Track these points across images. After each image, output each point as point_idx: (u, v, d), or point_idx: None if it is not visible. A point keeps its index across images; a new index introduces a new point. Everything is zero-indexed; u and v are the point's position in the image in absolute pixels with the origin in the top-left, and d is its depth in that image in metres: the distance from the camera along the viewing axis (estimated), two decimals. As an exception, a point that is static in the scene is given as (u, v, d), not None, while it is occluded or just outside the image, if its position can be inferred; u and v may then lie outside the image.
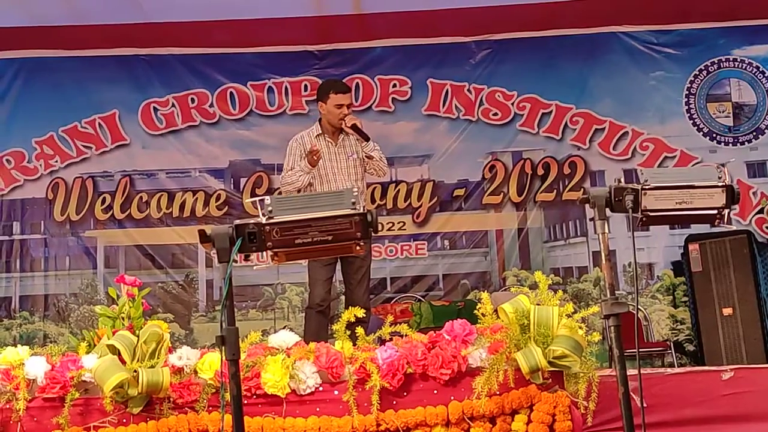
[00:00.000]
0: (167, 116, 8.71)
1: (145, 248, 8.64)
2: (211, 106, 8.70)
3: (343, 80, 8.57)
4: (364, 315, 6.17)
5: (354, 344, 4.31)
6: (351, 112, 6.65)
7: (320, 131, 6.63)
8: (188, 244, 8.56)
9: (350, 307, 6.16)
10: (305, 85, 8.66)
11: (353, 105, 7.08)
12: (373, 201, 8.57)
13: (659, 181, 3.62)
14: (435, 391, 4.20)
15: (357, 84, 8.69)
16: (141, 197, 8.65)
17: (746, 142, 8.66)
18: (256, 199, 3.50)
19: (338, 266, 6.54)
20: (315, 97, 6.92)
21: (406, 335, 4.37)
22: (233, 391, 3.27)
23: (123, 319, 4.57)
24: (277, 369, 4.19)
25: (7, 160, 8.63)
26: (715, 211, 3.65)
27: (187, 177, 8.77)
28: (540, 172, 8.66)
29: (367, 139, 6.52)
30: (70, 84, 8.67)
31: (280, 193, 7.21)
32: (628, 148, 8.61)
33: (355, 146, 6.60)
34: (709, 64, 8.73)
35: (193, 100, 8.72)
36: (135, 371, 4.10)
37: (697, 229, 7.79)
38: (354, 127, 6.50)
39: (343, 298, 8.25)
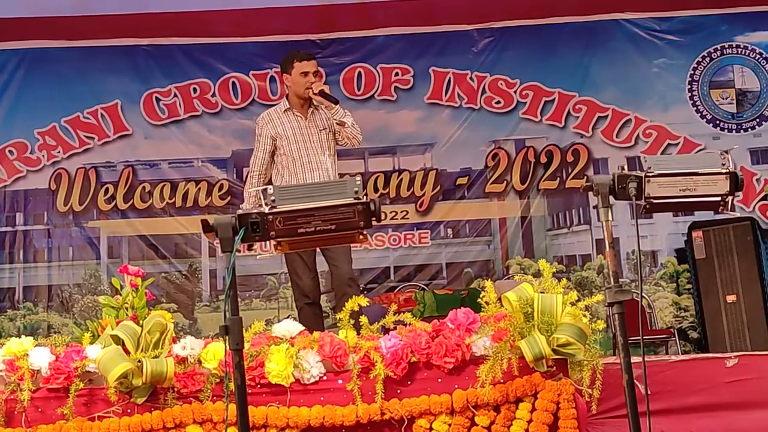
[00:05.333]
0: (169, 106, 8.70)
1: (148, 238, 8.64)
2: (213, 95, 8.69)
3: (345, 69, 8.62)
4: (351, 282, 6.06)
5: (358, 333, 4.31)
6: (317, 80, 6.31)
7: (288, 106, 6.33)
8: (191, 234, 8.55)
9: (336, 282, 6.02)
10: (307, 74, 8.65)
11: (321, 74, 6.67)
12: (376, 190, 8.57)
13: (662, 168, 3.61)
14: (439, 380, 4.20)
15: (359, 73, 8.70)
16: (144, 187, 8.65)
17: (750, 129, 8.65)
18: (259, 189, 3.49)
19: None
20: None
21: (409, 324, 4.37)
22: (237, 381, 3.27)
23: (126, 309, 4.57)
24: (281, 358, 4.19)
25: (10, 151, 8.63)
26: (719, 198, 3.64)
27: (189, 167, 8.76)
28: (543, 160, 8.65)
29: (336, 102, 6.19)
30: (71, 74, 8.66)
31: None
32: (631, 136, 8.60)
33: (326, 119, 6.30)
34: (712, 51, 8.71)
35: (195, 90, 8.71)
36: (139, 361, 4.10)
37: (700, 216, 7.78)
38: (321, 93, 6.17)
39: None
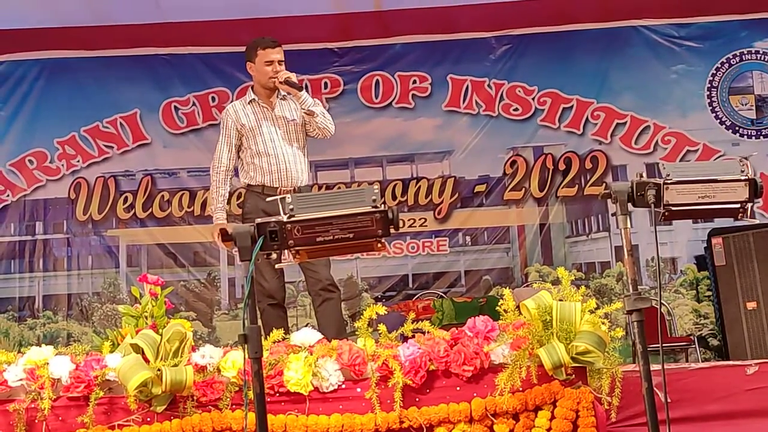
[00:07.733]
0: (188, 115, 8.73)
1: (167, 247, 8.66)
2: (232, 104, 8.72)
3: (363, 77, 8.62)
4: (332, 287, 5.87)
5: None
6: (282, 69, 5.98)
7: (253, 97, 6.08)
8: (210, 243, 8.55)
9: (315, 287, 5.88)
10: (325, 83, 8.66)
11: (286, 64, 6.12)
12: (394, 197, 8.57)
13: (681, 175, 3.60)
14: (458, 388, 4.19)
15: (377, 81, 8.70)
16: (162, 196, 8.67)
17: (769, 135, 8.62)
18: (278, 197, 3.50)
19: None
20: (246, 59, 6.18)
21: (428, 332, 4.37)
22: (256, 389, 3.28)
23: (146, 317, 4.59)
24: (299, 367, 4.19)
25: (30, 161, 8.67)
26: (738, 205, 3.63)
27: (208, 175, 8.70)
28: (561, 167, 8.63)
29: (300, 89, 5.91)
30: (91, 84, 8.70)
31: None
32: (650, 143, 8.56)
33: (295, 110, 6.03)
34: (731, 57, 8.67)
35: (213, 99, 8.74)
36: (158, 370, 4.11)
37: (720, 222, 7.72)
38: (287, 82, 5.88)
39: (365, 295, 8.26)
